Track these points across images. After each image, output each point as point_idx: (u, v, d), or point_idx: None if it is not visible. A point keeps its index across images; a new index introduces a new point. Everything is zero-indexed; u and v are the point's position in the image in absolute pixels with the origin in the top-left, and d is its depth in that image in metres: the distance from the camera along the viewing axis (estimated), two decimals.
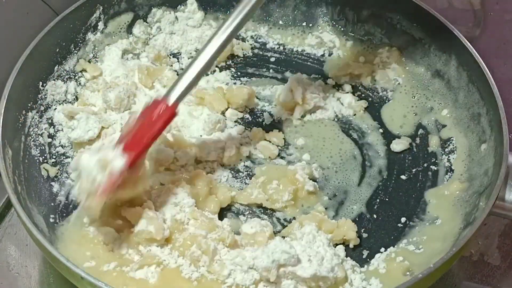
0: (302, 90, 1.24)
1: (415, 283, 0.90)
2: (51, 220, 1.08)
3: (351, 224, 1.07)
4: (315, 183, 1.14)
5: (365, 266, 1.05)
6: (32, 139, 1.16)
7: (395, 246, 1.07)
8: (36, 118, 1.17)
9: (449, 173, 1.17)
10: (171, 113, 1.02)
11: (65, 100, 1.24)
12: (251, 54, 1.39)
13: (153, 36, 1.37)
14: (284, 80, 1.31)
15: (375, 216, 1.12)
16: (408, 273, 1.02)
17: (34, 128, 1.16)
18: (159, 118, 1.02)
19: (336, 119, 1.26)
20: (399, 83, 1.31)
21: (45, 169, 1.14)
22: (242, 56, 1.38)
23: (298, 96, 1.24)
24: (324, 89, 1.29)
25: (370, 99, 1.30)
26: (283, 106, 1.26)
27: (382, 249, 1.07)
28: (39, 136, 1.17)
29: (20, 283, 1.09)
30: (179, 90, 1.03)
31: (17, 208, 0.97)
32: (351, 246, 1.07)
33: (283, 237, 1.05)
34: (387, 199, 1.15)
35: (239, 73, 1.35)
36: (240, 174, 1.17)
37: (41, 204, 1.09)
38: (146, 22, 1.38)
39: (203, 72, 1.05)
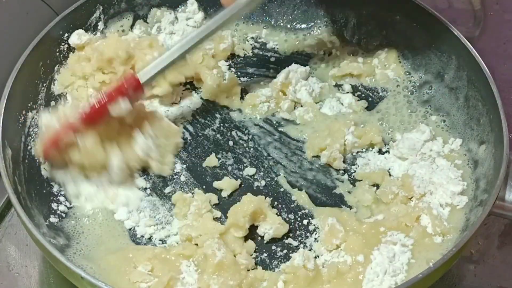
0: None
1: (415, 283, 0.90)
2: (51, 220, 1.08)
3: (377, 129, 1.18)
4: None
5: None
6: (32, 139, 1.15)
7: None
8: (36, 118, 1.17)
9: None
10: (135, 82, 1.10)
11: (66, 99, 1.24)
12: (251, 54, 1.39)
13: (153, 36, 1.37)
14: None
15: None
16: None
17: (34, 128, 1.16)
18: (121, 82, 1.10)
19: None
20: (399, 83, 1.31)
21: (45, 169, 1.14)
22: (242, 56, 1.38)
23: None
24: (322, 88, 1.29)
25: (370, 99, 1.30)
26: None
27: None
28: (39, 136, 1.17)
29: (20, 283, 1.09)
30: (151, 71, 1.12)
31: (17, 208, 0.97)
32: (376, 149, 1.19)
33: None
34: None
35: (239, 73, 1.35)
36: None
37: (41, 204, 1.09)
38: (146, 22, 1.38)
39: (177, 61, 1.14)
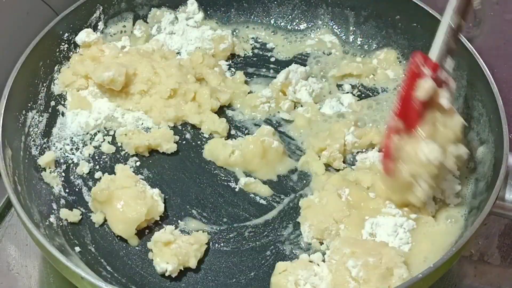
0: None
1: (415, 283, 0.90)
2: (51, 220, 1.08)
3: (377, 129, 1.18)
4: None
5: None
6: (32, 139, 1.16)
7: None
8: (36, 118, 1.17)
9: None
10: (424, 58, 1.01)
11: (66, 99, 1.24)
12: (251, 54, 1.39)
13: (153, 36, 1.37)
14: None
15: None
16: None
17: (34, 128, 1.17)
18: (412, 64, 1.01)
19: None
20: (399, 83, 1.31)
21: None
22: (242, 56, 1.38)
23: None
24: (322, 88, 1.29)
25: (370, 99, 1.29)
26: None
27: None
28: (39, 136, 1.17)
29: (20, 283, 1.09)
30: (435, 46, 1.02)
31: (17, 208, 0.97)
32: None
33: None
34: None
35: None
36: None
37: (41, 204, 1.09)
38: (146, 22, 1.38)
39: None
